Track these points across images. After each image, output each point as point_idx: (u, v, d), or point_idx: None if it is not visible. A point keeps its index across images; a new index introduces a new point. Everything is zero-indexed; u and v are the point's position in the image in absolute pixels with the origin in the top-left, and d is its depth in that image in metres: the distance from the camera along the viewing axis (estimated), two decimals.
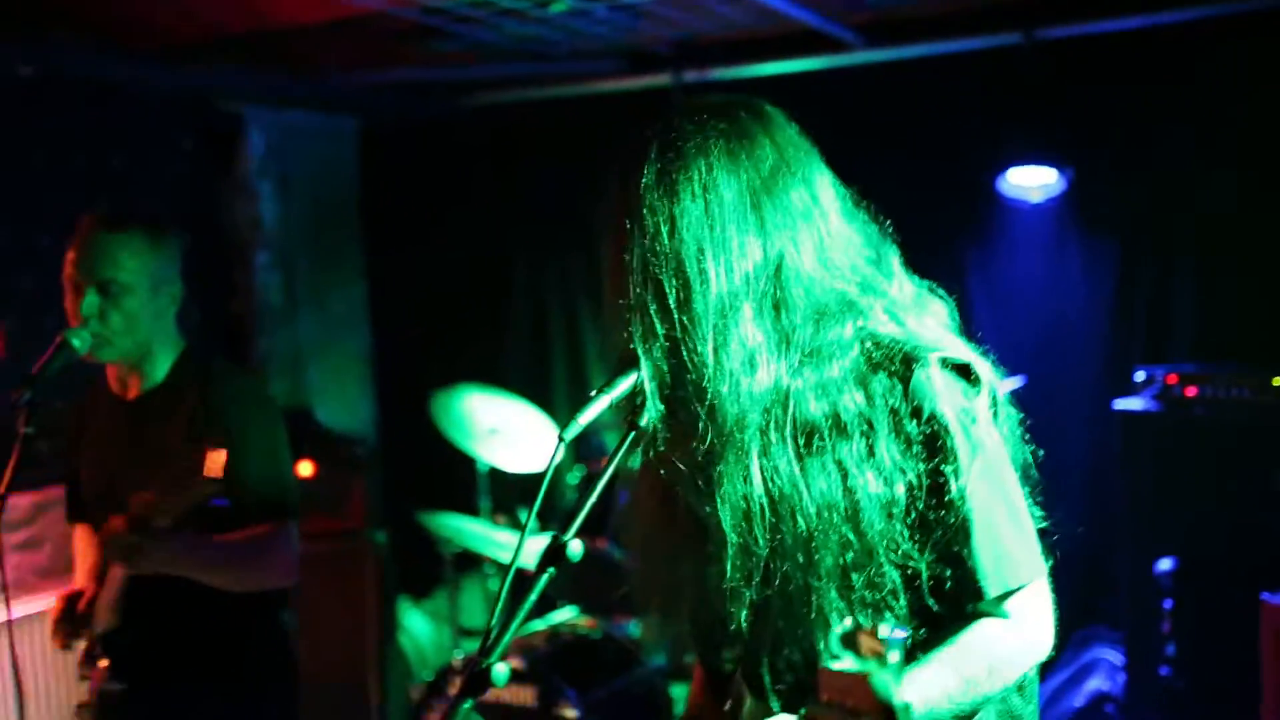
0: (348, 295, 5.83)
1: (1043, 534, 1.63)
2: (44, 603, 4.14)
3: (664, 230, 1.48)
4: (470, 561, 5.06)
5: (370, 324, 5.93)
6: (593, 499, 1.42)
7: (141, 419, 2.68)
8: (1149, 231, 4.26)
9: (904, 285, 1.63)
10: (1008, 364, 1.69)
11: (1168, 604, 3.62)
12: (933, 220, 4.43)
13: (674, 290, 1.47)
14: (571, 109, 5.28)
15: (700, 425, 1.50)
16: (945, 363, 1.53)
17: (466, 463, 4.64)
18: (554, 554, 1.37)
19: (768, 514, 1.50)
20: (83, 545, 2.91)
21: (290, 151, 5.46)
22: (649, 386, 1.48)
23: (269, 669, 2.81)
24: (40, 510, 4.38)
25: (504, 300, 5.63)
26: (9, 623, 2.35)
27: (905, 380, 1.50)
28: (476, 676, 1.30)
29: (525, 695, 4.02)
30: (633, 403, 1.49)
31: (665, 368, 1.49)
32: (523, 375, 5.40)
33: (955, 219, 4.46)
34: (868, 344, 1.53)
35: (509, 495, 5.10)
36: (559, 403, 5.34)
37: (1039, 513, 1.63)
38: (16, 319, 4.44)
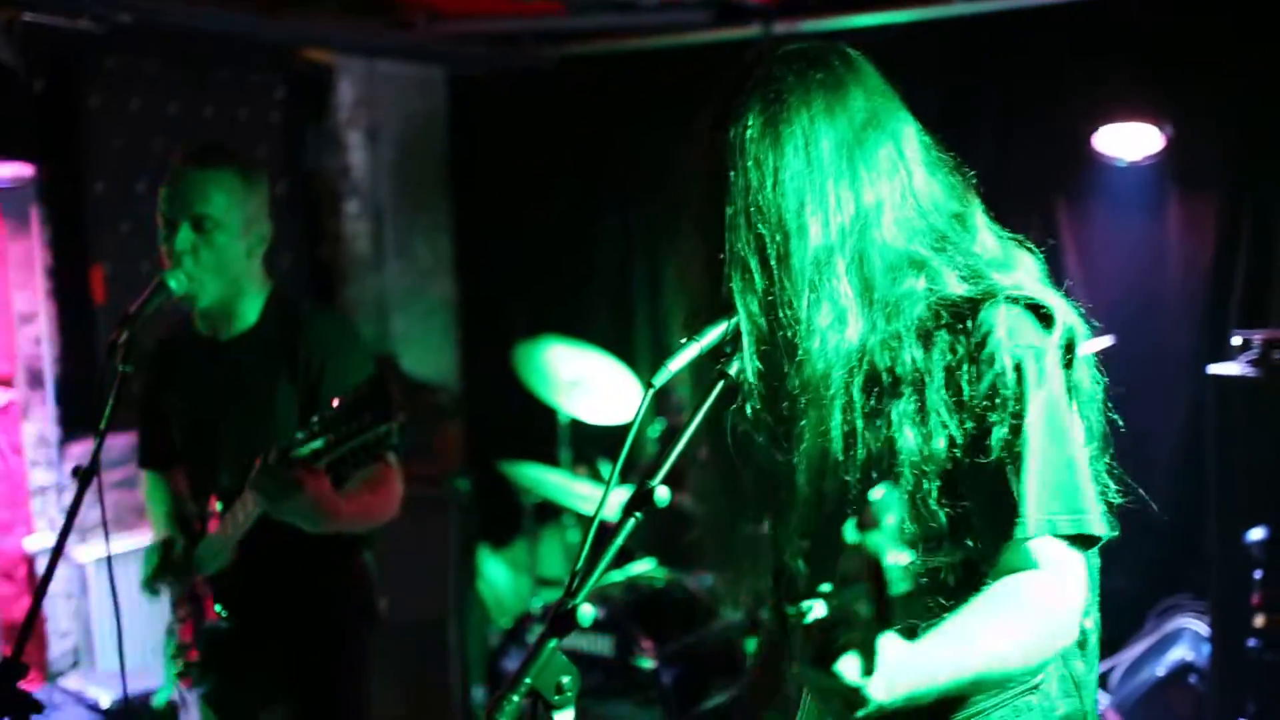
0: (434, 245, 5.88)
1: (1128, 500, 1.57)
2: (141, 540, 4.28)
3: (768, 183, 1.47)
4: (550, 512, 5.12)
5: (456, 274, 5.98)
6: (680, 446, 1.41)
7: (236, 361, 2.71)
8: (1250, 191, 4.13)
9: (988, 239, 1.59)
10: (1099, 325, 1.64)
11: (1257, 574, 3.54)
12: (1026, 178, 4.35)
13: (775, 245, 1.47)
14: (660, 61, 5.25)
15: (788, 380, 1.50)
16: (1016, 300, 1.50)
17: (548, 413, 4.67)
18: (641, 499, 1.38)
19: (840, 468, 1.50)
20: (158, 492, 2.96)
21: (379, 101, 5.50)
22: (746, 341, 1.48)
23: (353, 609, 2.87)
24: (136, 451, 4.50)
25: (588, 252, 5.63)
26: (109, 559, 2.41)
27: (973, 320, 1.48)
28: (562, 617, 1.31)
29: (602, 645, 4.07)
30: (721, 352, 1.49)
31: (762, 323, 1.48)
32: (605, 328, 5.41)
33: (1049, 177, 4.36)
34: (938, 297, 1.50)
35: (589, 447, 5.13)
36: (641, 356, 5.34)
37: (1112, 483, 1.57)
38: (114, 263, 4.56)
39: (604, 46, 5.37)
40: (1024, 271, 1.59)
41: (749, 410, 1.54)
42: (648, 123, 5.28)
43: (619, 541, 1.35)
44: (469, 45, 5.39)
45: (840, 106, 1.49)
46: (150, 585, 2.81)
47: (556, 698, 1.33)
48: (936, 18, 4.45)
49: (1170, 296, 4.25)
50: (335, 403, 2.26)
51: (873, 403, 1.49)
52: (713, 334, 1.49)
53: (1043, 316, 1.50)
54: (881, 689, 1.20)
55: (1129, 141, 4.12)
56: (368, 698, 2.89)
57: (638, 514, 1.38)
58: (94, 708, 3.94)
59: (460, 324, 5.99)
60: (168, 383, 2.84)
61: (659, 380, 1.44)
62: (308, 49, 5.17)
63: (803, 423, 1.51)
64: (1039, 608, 1.41)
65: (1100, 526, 1.48)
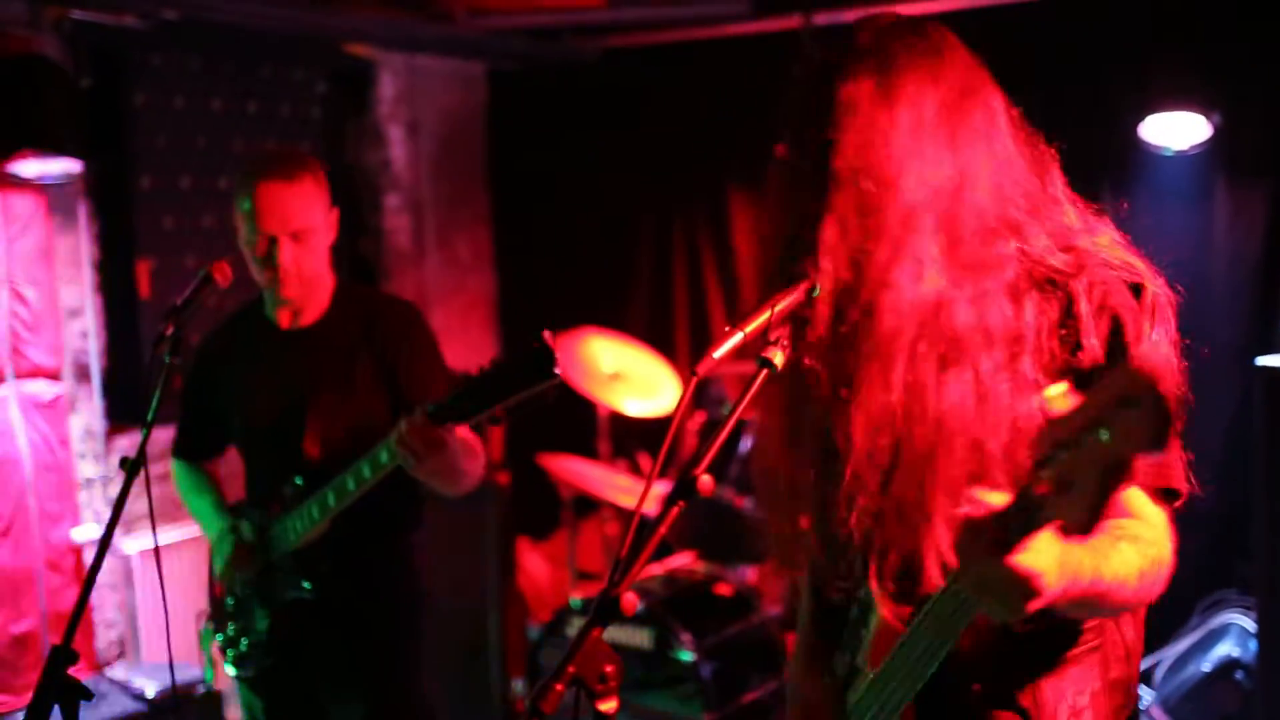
0: (474, 238, 5.90)
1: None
2: (183, 532, 4.33)
3: (877, 140, 1.51)
4: (588, 505, 5.12)
5: (495, 268, 6.00)
6: (724, 435, 1.41)
7: (318, 346, 2.83)
8: None
9: (1070, 208, 1.64)
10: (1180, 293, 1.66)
11: None
12: (1070, 167, 4.29)
13: (869, 198, 1.51)
14: (699, 54, 5.24)
15: (856, 334, 1.53)
16: (1109, 267, 1.55)
17: (587, 406, 4.68)
18: (685, 487, 1.37)
19: (899, 423, 1.52)
20: (200, 481, 3.02)
21: (420, 95, 5.53)
22: (821, 293, 1.51)
23: (408, 587, 2.97)
24: (175, 442, 4.55)
25: (628, 246, 5.63)
26: (156, 550, 2.44)
27: (1066, 285, 1.53)
28: (606, 605, 1.31)
29: (641, 638, 4.07)
30: (764, 340, 1.48)
31: (845, 274, 1.52)
32: (645, 321, 5.41)
33: (1094, 166, 4.30)
34: (1031, 261, 1.55)
35: (628, 440, 5.13)
36: (680, 350, 5.34)
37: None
38: (159, 258, 4.61)
39: (644, 40, 5.37)
40: (1109, 239, 1.62)
41: (805, 365, 1.57)
42: (688, 116, 5.27)
43: (662, 528, 1.35)
44: (509, 39, 5.40)
45: (943, 73, 1.55)
46: (228, 574, 2.85)
47: (600, 687, 1.33)
48: (980, 6, 4.42)
49: (1218, 287, 4.20)
50: (490, 362, 2.39)
51: (960, 360, 1.52)
52: (757, 321, 1.48)
53: (1133, 284, 1.55)
54: (1054, 581, 1.27)
55: (1176, 130, 4.06)
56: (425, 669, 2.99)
57: (681, 502, 1.38)
58: (140, 697, 3.99)
59: (500, 318, 6.01)
60: (232, 372, 2.91)
61: (702, 368, 1.44)
62: (349, 44, 5.20)
63: (862, 374, 1.54)
64: (1151, 549, 1.45)
65: (1184, 483, 1.53)
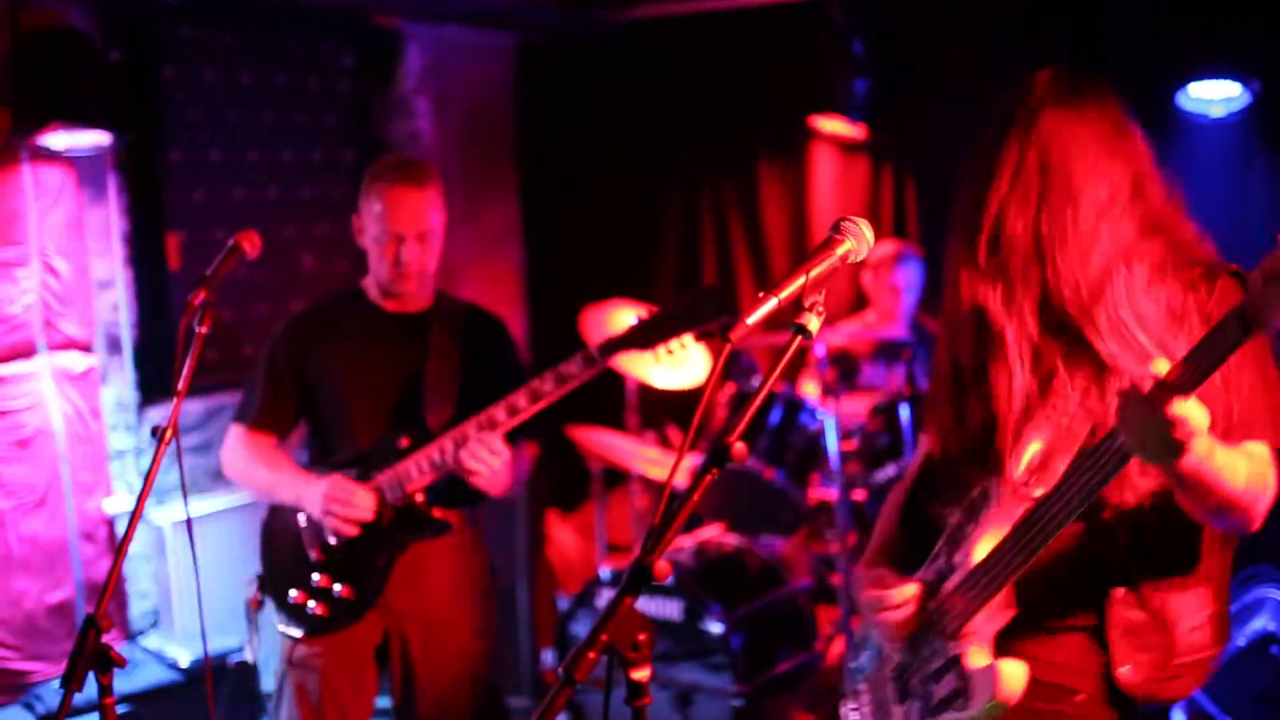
0: (502, 211, 5.89)
1: None
2: (215, 503, 4.36)
3: (1072, 148, 1.84)
4: (617, 477, 5.12)
5: (523, 241, 5.99)
6: (757, 402, 1.40)
7: (425, 330, 3.08)
8: None
9: (1190, 219, 1.92)
10: None
11: None
12: None
13: (1054, 190, 1.83)
14: (729, 24, 5.20)
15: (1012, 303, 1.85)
16: (1236, 275, 1.80)
17: (615, 378, 4.67)
18: (719, 454, 1.37)
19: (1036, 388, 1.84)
20: (268, 451, 3.08)
21: (447, 68, 5.51)
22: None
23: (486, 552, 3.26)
24: (211, 415, 4.58)
25: (656, 217, 5.61)
26: (189, 521, 2.45)
27: (1204, 284, 1.79)
28: (638, 573, 1.30)
29: (671, 609, 4.07)
30: (799, 306, 1.47)
31: (1029, 241, 1.83)
32: (672, 291, 5.39)
33: None
34: (1175, 260, 1.82)
35: (656, 412, 5.12)
36: None
37: None
38: (188, 231, 4.62)
39: (672, 10, 5.32)
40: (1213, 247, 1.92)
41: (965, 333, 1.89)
42: (717, 86, 5.24)
43: (696, 496, 1.34)
44: (537, 10, 5.37)
45: (1113, 106, 1.92)
46: (342, 521, 2.92)
47: (633, 655, 1.32)
48: None
49: (1257, 256, 4.14)
50: (682, 298, 2.85)
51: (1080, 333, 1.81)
52: (791, 287, 1.47)
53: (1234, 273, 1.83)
54: (1202, 442, 1.54)
55: (1214, 97, 4.01)
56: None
57: (715, 469, 1.37)
58: (173, 666, 4.03)
59: (528, 290, 6.01)
60: (334, 347, 3.08)
61: (736, 335, 1.43)
62: (377, 16, 5.18)
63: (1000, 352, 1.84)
64: (1259, 467, 1.71)
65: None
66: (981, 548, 1.82)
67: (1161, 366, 1.52)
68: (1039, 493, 1.77)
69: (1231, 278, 1.80)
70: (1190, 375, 1.50)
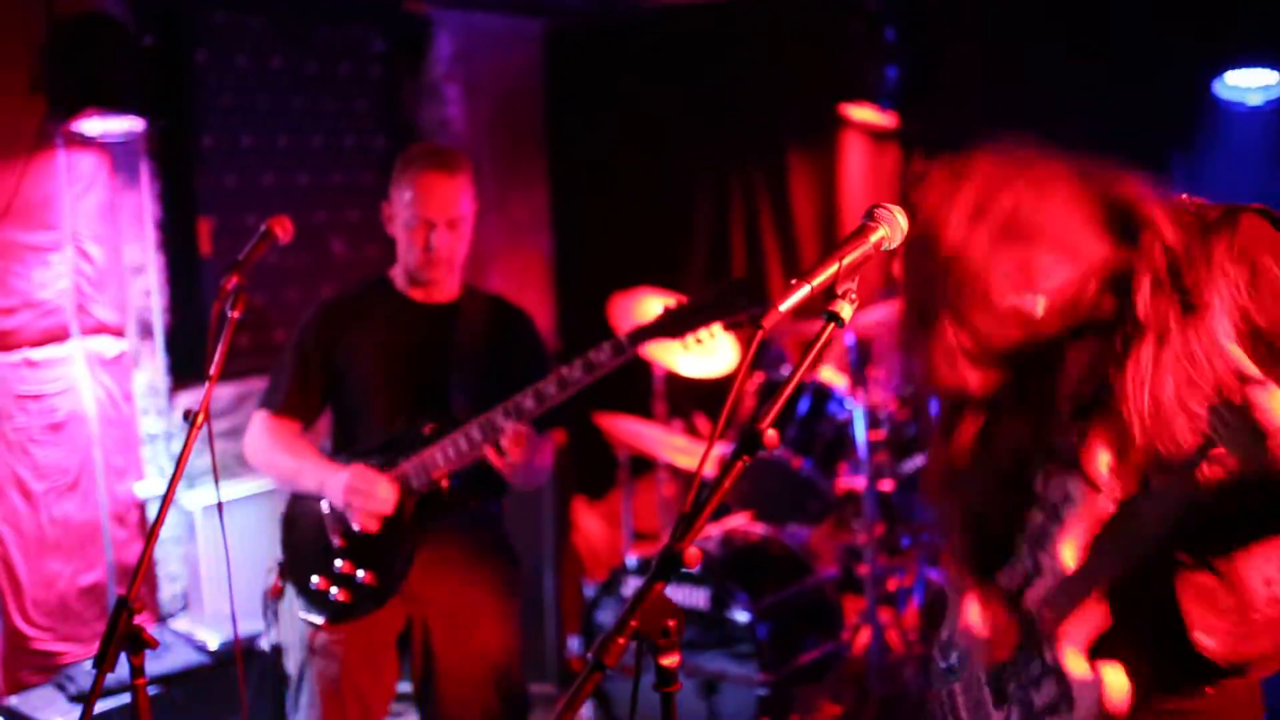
0: (531, 198, 5.88)
1: None
2: (245, 487, 4.38)
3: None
4: (644, 465, 5.12)
5: (552, 228, 5.98)
6: (789, 390, 1.39)
7: (453, 319, 3.12)
8: None
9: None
10: None
11: None
12: (1143, 124, 4.21)
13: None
14: (759, 10, 5.17)
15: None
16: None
17: (643, 366, 4.66)
18: (750, 440, 1.36)
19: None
20: (291, 438, 3.08)
21: (477, 54, 5.51)
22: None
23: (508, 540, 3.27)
24: (242, 400, 4.61)
25: (685, 205, 5.59)
26: (219, 505, 2.46)
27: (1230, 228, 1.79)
28: (669, 559, 1.30)
29: (698, 597, 4.07)
30: (831, 294, 1.46)
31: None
32: (701, 280, 5.38)
33: (1167, 123, 4.21)
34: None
35: (684, 400, 5.12)
36: None
37: None
38: (220, 216, 4.64)
39: None
40: None
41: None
42: (747, 73, 5.21)
43: (727, 483, 1.34)
44: None
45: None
46: (366, 511, 2.93)
47: (662, 641, 1.32)
48: None
49: None
50: (711, 288, 2.88)
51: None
52: (824, 274, 1.46)
53: None
54: None
55: (1251, 85, 3.97)
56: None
57: (746, 456, 1.36)
58: (203, 649, 4.06)
59: (557, 278, 6.00)
60: (362, 334, 3.10)
61: (769, 321, 1.41)
62: (407, 2, 5.18)
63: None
64: None
65: None
66: (1067, 550, 1.79)
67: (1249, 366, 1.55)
68: (1122, 497, 1.73)
69: (1257, 215, 1.76)
70: None
